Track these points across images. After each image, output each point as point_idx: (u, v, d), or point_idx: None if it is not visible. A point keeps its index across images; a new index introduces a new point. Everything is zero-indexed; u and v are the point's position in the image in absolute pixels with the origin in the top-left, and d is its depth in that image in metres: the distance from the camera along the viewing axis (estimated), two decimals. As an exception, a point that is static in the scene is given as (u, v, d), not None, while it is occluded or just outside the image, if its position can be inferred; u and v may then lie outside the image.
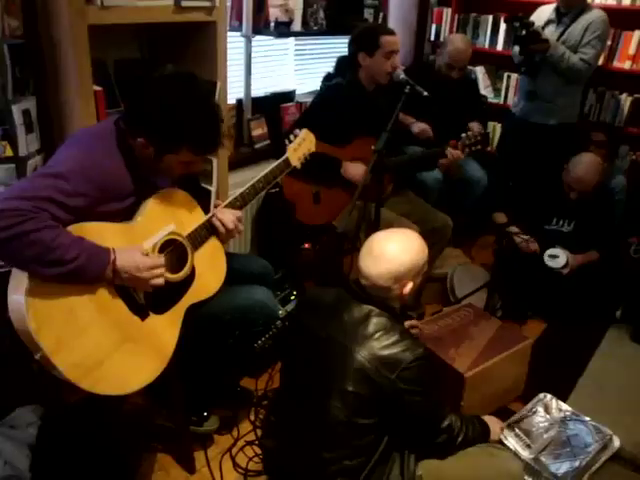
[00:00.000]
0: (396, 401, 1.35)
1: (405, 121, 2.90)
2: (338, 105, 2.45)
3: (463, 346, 2.09)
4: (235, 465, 1.88)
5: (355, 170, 2.43)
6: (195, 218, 1.65)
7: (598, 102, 3.41)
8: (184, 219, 1.61)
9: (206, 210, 1.71)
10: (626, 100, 3.33)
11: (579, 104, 3.18)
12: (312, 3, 2.93)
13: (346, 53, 2.59)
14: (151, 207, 1.52)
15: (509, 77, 3.72)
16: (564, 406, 2.06)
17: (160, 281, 1.45)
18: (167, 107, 1.42)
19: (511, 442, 1.89)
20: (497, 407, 2.11)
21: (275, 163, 1.82)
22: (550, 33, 2.93)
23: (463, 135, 2.61)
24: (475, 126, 3.01)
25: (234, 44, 2.68)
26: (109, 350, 1.38)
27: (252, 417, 2.07)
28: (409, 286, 1.44)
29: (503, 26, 3.63)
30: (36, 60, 1.67)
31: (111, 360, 1.38)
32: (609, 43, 3.19)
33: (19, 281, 1.27)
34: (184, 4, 1.84)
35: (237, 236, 1.74)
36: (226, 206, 1.70)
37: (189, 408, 1.88)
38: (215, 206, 1.72)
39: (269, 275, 2.00)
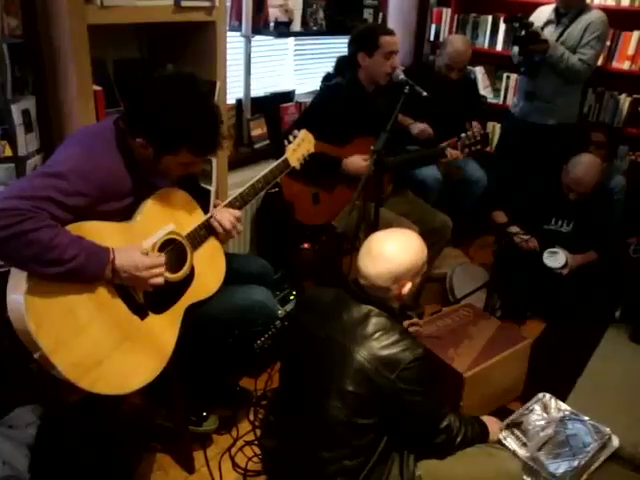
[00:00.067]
0: (396, 401, 1.35)
1: (404, 122, 2.90)
2: (338, 105, 2.45)
3: (462, 346, 2.09)
4: (234, 465, 1.88)
5: (355, 163, 2.42)
6: (194, 218, 1.65)
7: (597, 102, 3.42)
8: (183, 219, 1.61)
9: (206, 210, 1.71)
10: (625, 100, 3.34)
11: (578, 104, 3.18)
12: (312, 3, 2.93)
13: (345, 53, 2.59)
14: (150, 207, 1.52)
15: (508, 77, 3.72)
16: (563, 406, 2.06)
17: (160, 280, 1.45)
18: (167, 108, 1.42)
19: (509, 442, 1.89)
20: (496, 407, 2.11)
21: (274, 163, 1.82)
22: (549, 33, 2.94)
23: (463, 135, 2.61)
24: (475, 125, 3.01)
25: (234, 44, 2.68)
26: (108, 350, 1.38)
27: (251, 417, 2.07)
28: (408, 286, 1.44)
29: (502, 26, 3.64)
30: (35, 60, 1.67)
31: (110, 360, 1.38)
32: (608, 43, 3.20)
33: (18, 281, 1.27)
34: (184, 4, 1.85)
35: (237, 236, 1.74)
36: (225, 206, 1.70)
37: (188, 408, 1.88)
38: (214, 206, 1.72)
39: (268, 275, 2.00)
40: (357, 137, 2.47)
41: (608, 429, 1.96)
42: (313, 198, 2.50)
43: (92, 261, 1.32)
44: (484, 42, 3.76)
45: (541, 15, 3.05)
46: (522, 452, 1.85)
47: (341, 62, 2.67)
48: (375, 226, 2.08)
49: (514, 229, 2.81)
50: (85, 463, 1.67)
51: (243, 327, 1.83)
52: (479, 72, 3.80)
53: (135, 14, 1.74)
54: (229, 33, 2.36)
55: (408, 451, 1.47)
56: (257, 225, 2.80)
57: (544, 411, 2.04)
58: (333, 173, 2.44)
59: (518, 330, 2.59)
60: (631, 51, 3.23)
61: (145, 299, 1.49)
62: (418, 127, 2.87)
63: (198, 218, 1.65)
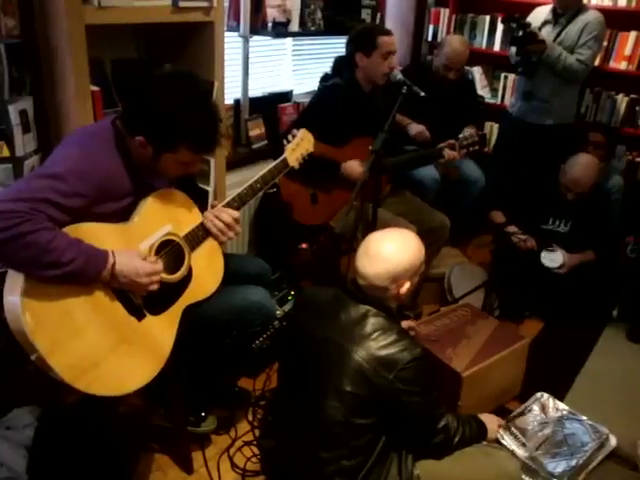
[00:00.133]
0: (394, 401, 1.35)
1: (402, 122, 2.90)
2: (336, 105, 2.45)
3: (460, 346, 2.09)
4: (233, 465, 1.88)
5: (353, 168, 2.43)
6: (192, 219, 1.64)
7: (595, 102, 3.43)
8: (181, 220, 1.61)
9: (204, 211, 1.70)
10: (622, 100, 3.34)
11: (576, 104, 3.19)
12: (309, 3, 2.94)
13: (343, 53, 2.59)
14: (148, 207, 1.52)
15: (506, 77, 3.73)
16: (561, 405, 2.07)
17: (156, 286, 1.46)
18: (167, 105, 1.42)
19: (508, 441, 1.89)
20: (495, 406, 2.11)
21: (273, 163, 1.81)
22: (547, 34, 2.94)
23: (460, 136, 2.62)
24: (470, 128, 3.01)
25: (232, 44, 2.68)
26: (105, 351, 1.38)
27: (250, 417, 2.07)
28: (406, 286, 1.44)
29: (500, 27, 3.64)
30: (33, 60, 1.67)
31: (107, 361, 1.37)
32: (605, 44, 3.21)
33: (14, 282, 1.26)
34: (182, 4, 1.84)
35: (235, 237, 1.73)
36: (223, 206, 1.70)
37: (187, 408, 1.88)
38: (212, 206, 1.71)
39: (266, 275, 2.00)
40: (355, 137, 2.47)
41: (606, 428, 1.96)
42: (311, 198, 2.51)
43: (90, 264, 1.32)
44: (482, 42, 3.77)
45: (538, 15, 3.06)
46: (521, 452, 1.85)
47: (339, 62, 2.67)
48: (373, 226, 2.08)
49: (512, 229, 2.82)
50: (83, 464, 1.67)
51: (241, 327, 1.83)
52: (477, 72, 3.80)
53: (133, 14, 1.74)
54: (227, 33, 2.35)
55: (406, 451, 1.47)
56: (255, 225, 2.80)
57: (542, 411, 2.04)
58: (331, 176, 2.44)
59: (516, 329, 2.59)
60: (628, 51, 3.24)
61: (142, 300, 1.48)
62: (416, 128, 2.87)
63: (196, 219, 1.65)
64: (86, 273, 1.32)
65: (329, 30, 3.08)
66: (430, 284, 2.85)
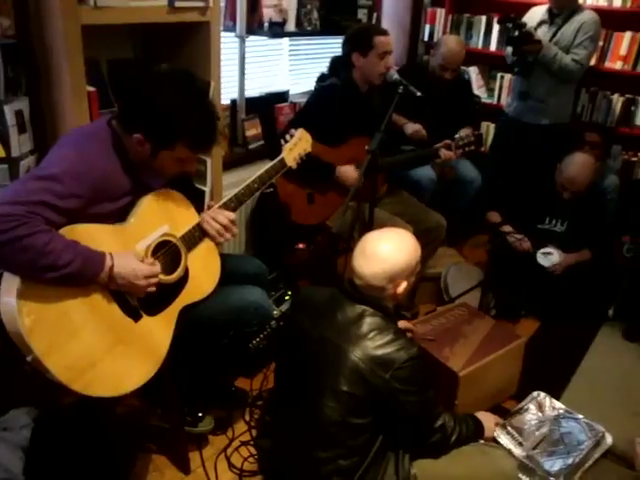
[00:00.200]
0: (390, 401, 1.36)
1: (398, 122, 2.90)
2: (332, 105, 2.45)
3: (457, 345, 2.10)
4: (230, 465, 1.88)
5: (348, 174, 2.43)
6: (189, 219, 1.64)
7: (590, 102, 3.44)
8: (178, 220, 1.61)
9: (200, 211, 1.70)
10: (618, 100, 3.36)
11: (571, 104, 3.20)
12: (306, 3, 2.93)
13: (340, 53, 2.59)
14: (144, 208, 1.52)
15: (502, 77, 3.74)
16: (557, 404, 2.07)
17: (154, 288, 1.46)
18: (166, 101, 1.42)
19: (504, 440, 1.89)
20: (491, 406, 2.11)
21: (270, 163, 1.81)
22: (543, 34, 2.95)
23: (457, 136, 2.62)
24: (467, 129, 3.02)
25: (228, 44, 2.68)
26: (102, 352, 1.38)
27: (247, 417, 2.07)
28: (403, 286, 1.44)
29: (496, 27, 3.65)
30: (28, 60, 1.66)
31: (104, 362, 1.37)
32: (601, 44, 3.22)
33: (10, 283, 1.26)
34: (178, 4, 1.84)
35: (232, 239, 1.73)
36: (220, 207, 1.69)
37: (184, 409, 1.88)
38: (208, 207, 1.71)
39: (263, 275, 2.00)
40: (352, 137, 2.47)
41: (602, 427, 1.97)
42: (308, 198, 2.51)
43: (88, 266, 1.32)
44: (478, 42, 3.78)
45: (534, 15, 3.06)
46: (518, 451, 1.86)
47: (335, 62, 2.68)
48: (369, 226, 2.08)
49: (507, 228, 2.83)
50: (80, 465, 1.66)
51: (238, 328, 1.83)
52: (473, 72, 3.81)
53: (129, 15, 1.73)
54: (223, 33, 2.35)
55: (403, 450, 1.48)
56: (252, 225, 2.80)
57: (539, 410, 2.04)
58: (326, 179, 2.45)
59: (512, 329, 2.60)
60: (623, 51, 3.25)
61: (139, 301, 1.48)
62: (412, 127, 2.88)
63: (193, 219, 1.65)
64: (84, 275, 1.31)
65: (325, 30, 3.08)
66: (427, 284, 2.85)
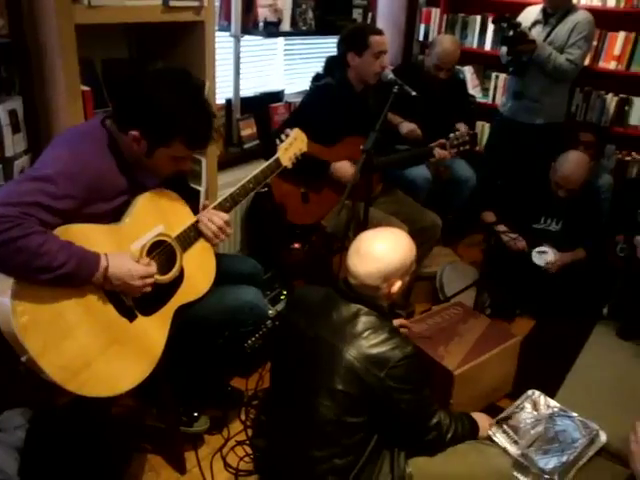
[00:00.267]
0: (385, 399, 1.36)
1: (393, 121, 2.91)
2: (327, 105, 2.45)
3: (452, 344, 2.10)
4: (226, 465, 1.88)
5: (344, 170, 2.43)
6: (184, 219, 1.64)
7: (584, 102, 3.45)
8: (173, 220, 1.60)
9: (195, 211, 1.70)
10: (612, 100, 3.37)
11: (566, 104, 3.21)
12: (301, 3, 2.93)
13: (335, 53, 2.60)
14: (139, 208, 1.52)
15: (497, 77, 3.75)
16: (552, 402, 2.08)
17: (149, 288, 1.46)
18: (163, 98, 1.42)
19: (499, 439, 1.90)
20: (486, 404, 2.12)
21: (266, 163, 1.81)
22: (537, 34, 2.96)
23: (451, 135, 2.63)
24: (462, 127, 3.03)
25: (223, 44, 2.67)
26: (97, 352, 1.37)
27: (243, 417, 2.07)
28: (397, 285, 1.45)
29: (491, 26, 3.66)
30: (22, 59, 1.66)
31: (98, 362, 1.37)
32: (595, 44, 3.23)
33: (5, 283, 1.26)
34: (172, 4, 1.84)
35: (225, 239, 1.73)
36: (215, 207, 1.69)
37: (179, 408, 1.87)
38: (204, 206, 1.71)
39: (259, 275, 2.00)
40: (347, 137, 2.48)
41: (596, 425, 1.98)
42: (302, 197, 2.51)
43: (83, 267, 1.32)
44: (473, 42, 3.79)
45: (529, 15, 3.08)
46: (513, 449, 1.86)
47: (330, 62, 2.68)
48: (364, 225, 2.08)
49: (501, 228, 2.83)
50: (75, 466, 1.66)
51: (234, 327, 1.83)
52: (468, 71, 3.82)
53: (123, 14, 1.73)
54: (218, 33, 2.35)
55: (399, 449, 1.48)
56: (247, 225, 2.80)
57: (534, 408, 2.05)
58: (322, 176, 2.45)
59: (508, 328, 2.61)
60: (617, 51, 3.27)
61: (134, 301, 1.48)
62: (407, 127, 2.88)
63: (188, 219, 1.65)
64: (78, 276, 1.31)
65: (320, 30, 3.08)
66: (422, 283, 2.86)
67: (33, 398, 1.71)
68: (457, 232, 3.41)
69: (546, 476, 1.78)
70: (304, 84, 3.24)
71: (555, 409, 2.05)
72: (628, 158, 3.41)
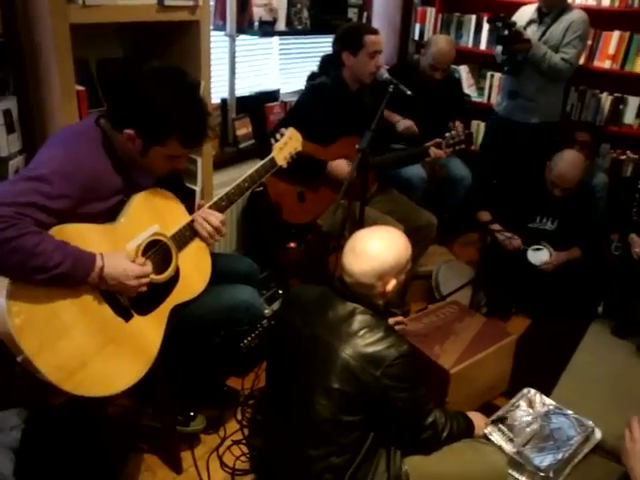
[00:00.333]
0: (381, 398, 1.36)
1: (391, 119, 2.91)
2: (322, 104, 2.45)
3: (448, 343, 2.11)
4: (222, 464, 1.88)
5: (340, 168, 2.44)
6: (179, 218, 1.64)
7: (579, 101, 3.47)
8: (168, 219, 1.60)
9: (191, 210, 1.70)
10: (607, 99, 3.39)
11: (561, 103, 3.23)
12: (296, 2, 2.93)
13: (330, 52, 2.60)
14: (134, 208, 1.51)
15: (492, 76, 3.76)
16: (547, 400, 2.09)
17: (145, 288, 1.46)
18: (159, 96, 1.42)
19: (495, 437, 1.91)
20: (482, 403, 2.13)
21: (261, 163, 1.82)
22: (532, 33, 2.97)
23: (447, 135, 2.64)
24: (458, 125, 3.03)
25: (218, 43, 2.67)
26: (92, 352, 1.37)
27: (239, 416, 2.07)
28: (392, 283, 1.45)
29: (486, 26, 3.67)
30: (16, 59, 1.65)
31: (94, 362, 1.37)
32: (589, 43, 3.24)
33: (0, 284, 1.25)
34: (167, 3, 1.83)
35: (220, 239, 1.73)
36: (211, 206, 1.70)
37: (175, 408, 1.87)
38: (199, 206, 1.71)
39: (254, 274, 2.00)
40: (342, 136, 2.48)
41: (591, 422, 1.99)
42: (298, 197, 2.51)
43: (78, 267, 1.31)
44: (468, 41, 3.80)
45: (524, 15, 3.08)
46: (508, 447, 1.87)
47: (326, 61, 2.68)
48: (360, 224, 2.08)
49: (496, 227, 2.84)
50: (71, 466, 1.66)
51: (229, 327, 1.83)
52: (463, 71, 3.83)
53: (118, 13, 1.73)
54: (213, 32, 2.35)
55: (395, 447, 1.48)
56: (243, 224, 2.80)
57: (529, 407, 2.06)
58: (318, 175, 2.45)
59: (503, 326, 2.62)
60: (612, 50, 3.28)
61: (130, 301, 1.48)
62: (404, 124, 2.89)
63: (183, 218, 1.65)
64: (74, 276, 1.31)
65: (316, 29, 3.08)
66: (418, 282, 2.87)
67: (29, 398, 1.71)
68: (453, 231, 3.41)
69: (541, 474, 1.79)
70: (299, 83, 3.25)
71: (550, 407, 2.06)
72: (623, 157, 3.43)
